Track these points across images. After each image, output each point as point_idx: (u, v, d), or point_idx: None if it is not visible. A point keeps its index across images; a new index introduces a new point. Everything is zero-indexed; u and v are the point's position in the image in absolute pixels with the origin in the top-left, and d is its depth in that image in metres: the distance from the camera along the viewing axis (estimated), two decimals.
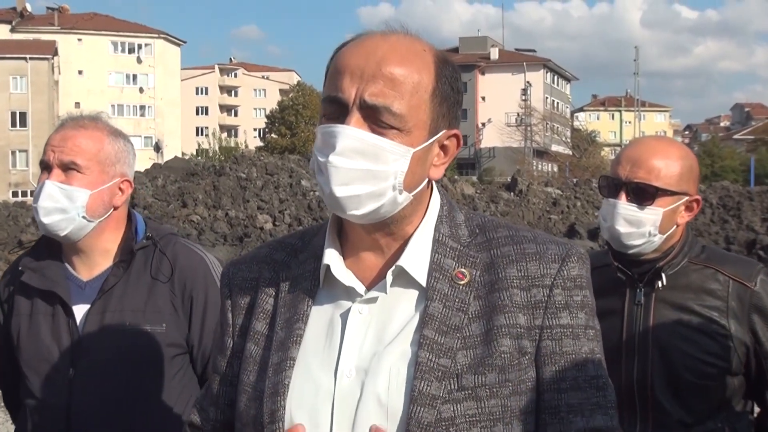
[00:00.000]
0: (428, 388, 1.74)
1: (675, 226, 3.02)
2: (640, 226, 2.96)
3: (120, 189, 3.08)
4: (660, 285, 2.99)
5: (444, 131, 1.84)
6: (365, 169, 1.74)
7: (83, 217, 2.98)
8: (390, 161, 1.75)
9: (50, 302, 3.04)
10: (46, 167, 2.98)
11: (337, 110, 1.77)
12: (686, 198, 3.01)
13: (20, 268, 3.11)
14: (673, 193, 2.96)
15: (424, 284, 1.84)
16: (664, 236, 3.00)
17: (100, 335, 2.99)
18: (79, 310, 3.02)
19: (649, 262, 3.03)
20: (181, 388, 3.09)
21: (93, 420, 2.95)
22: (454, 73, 1.86)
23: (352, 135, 1.73)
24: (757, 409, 3.11)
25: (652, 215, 2.95)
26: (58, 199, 2.93)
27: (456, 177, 32.90)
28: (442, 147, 1.87)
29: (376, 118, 1.74)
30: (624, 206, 2.96)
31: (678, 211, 3.00)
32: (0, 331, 3.16)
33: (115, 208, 3.09)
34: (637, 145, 3.11)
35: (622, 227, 2.97)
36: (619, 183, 3.00)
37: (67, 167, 2.95)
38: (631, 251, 3.01)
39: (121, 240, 3.12)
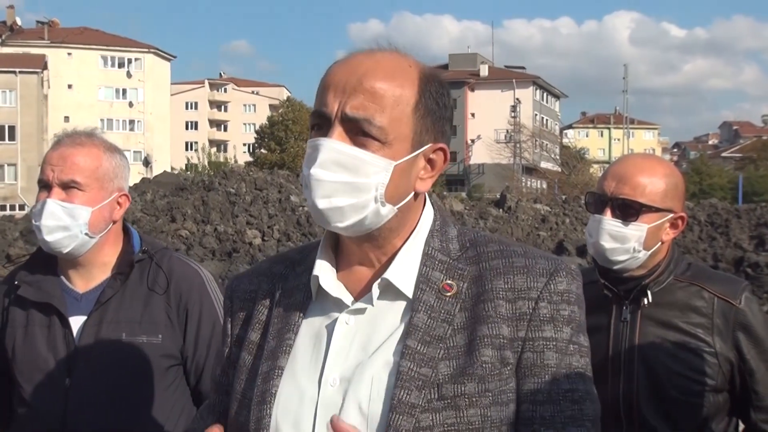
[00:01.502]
0: (408, 396, 1.76)
1: (660, 243, 3.04)
2: (625, 242, 2.98)
3: (118, 203, 3.12)
4: (646, 302, 3.01)
5: (429, 145, 1.87)
6: (346, 181, 1.78)
7: (86, 234, 3.01)
8: (371, 174, 1.79)
9: (46, 314, 3.06)
10: (45, 186, 3.00)
11: (321, 124, 1.82)
12: (671, 215, 3.03)
13: (16, 282, 3.13)
14: (657, 210, 2.99)
15: (410, 296, 1.86)
16: (649, 253, 3.02)
17: (97, 346, 3.01)
18: (76, 322, 3.05)
19: (634, 279, 3.05)
20: (174, 399, 3.12)
21: (88, 429, 2.97)
22: (441, 88, 1.89)
23: (332, 147, 1.77)
24: (741, 426, 3.13)
25: (636, 231, 2.97)
26: (60, 217, 2.96)
27: (445, 193, 33.00)
28: (429, 161, 1.89)
29: (357, 131, 1.78)
30: (609, 222, 2.99)
31: (663, 228, 3.03)
32: None
33: (114, 222, 3.13)
34: (623, 162, 3.15)
35: (606, 243, 2.99)
36: (604, 199, 3.03)
37: (67, 185, 2.98)
38: (616, 267, 3.03)
39: (119, 253, 3.16)
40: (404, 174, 1.84)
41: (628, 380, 3.00)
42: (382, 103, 1.79)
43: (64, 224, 2.96)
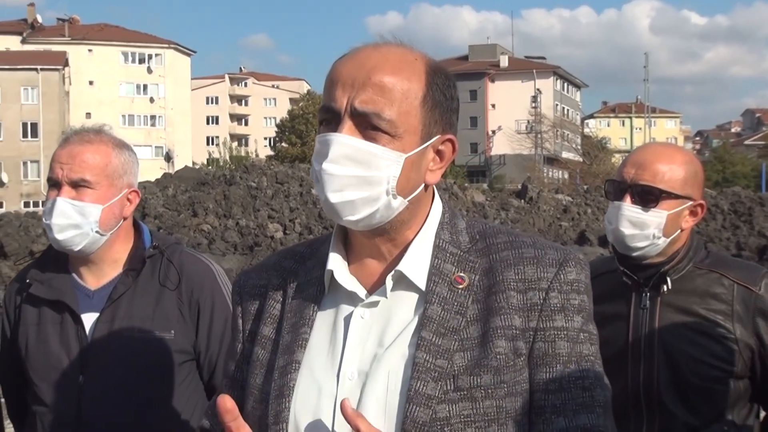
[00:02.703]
0: (424, 388, 1.77)
1: (679, 231, 3.04)
2: (644, 228, 2.98)
3: (128, 199, 3.11)
4: (665, 289, 3.00)
5: (438, 136, 1.88)
6: (357, 175, 1.79)
7: (97, 232, 3.01)
8: (382, 167, 1.80)
9: (58, 311, 3.07)
10: (55, 184, 3.00)
11: (331, 119, 1.82)
12: (690, 202, 3.03)
13: (27, 280, 3.14)
14: (677, 197, 2.99)
15: (423, 288, 1.87)
16: (668, 240, 3.02)
17: (110, 342, 3.02)
18: (88, 319, 3.05)
19: (654, 267, 3.04)
20: (188, 394, 3.12)
21: (102, 427, 2.98)
22: (447, 80, 1.90)
23: (343, 142, 1.78)
24: (763, 413, 3.12)
25: (656, 218, 2.97)
26: (70, 215, 2.96)
27: (466, 185, 32.95)
28: (438, 152, 1.90)
29: (367, 125, 1.79)
30: (628, 208, 2.99)
31: (682, 215, 3.03)
32: (6, 340, 3.20)
33: (125, 219, 3.13)
34: (642, 150, 3.16)
35: (626, 229, 2.99)
36: (624, 186, 3.03)
37: (77, 184, 2.97)
38: (635, 254, 3.03)
39: (131, 249, 3.16)
40: (414, 166, 1.85)
41: (648, 367, 2.99)
42: (390, 97, 1.80)
43: (75, 222, 2.97)
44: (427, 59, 1.89)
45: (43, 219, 3.02)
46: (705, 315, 2.96)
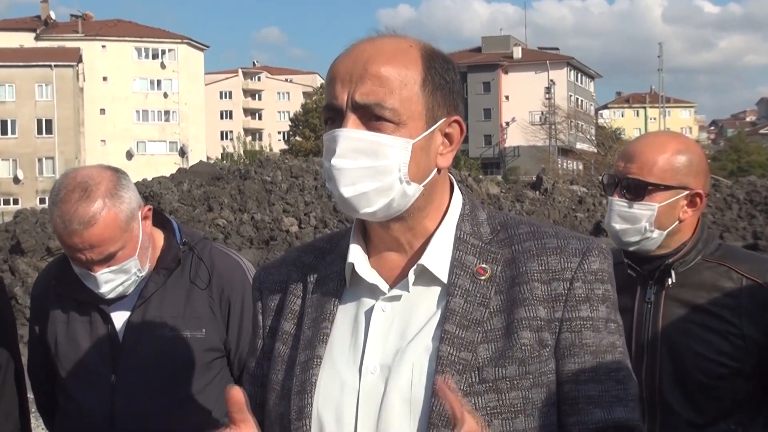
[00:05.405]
0: (449, 381, 1.76)
1: (677, 222, 2.95)
2: (635, 222, 2.92)
3: (145, 219, 3.04)
4: (670, 282, 2.94)
5: (444, 119, 1.89)
6: (368, 166, 1.81)
7: (140, 275, 3.02)
8: (391, 155, 1.82)
9: (87, 310, 3.07)
10: (84, 264, 2.92)
11: (334, 116, 1.86)
12: (685, 192, 2.94)
13: (54, 278, 3.14)
14: (667, 188, 2.92)
15: (445, 281, 1.88)
16: (665, 232, 2.94)
17: (141, 341, 3.03)
18: (118, 317, 3.06)
19: (659, 259, 2.97)
20: (219, 391, 3.09)
21: (135, 425, 2.98)
22: (446, 64, 1.92)
23: (349, 136, 1.81)
24: None
25: (646, 211, 2.91)
26: (115, 279, 2.94)
27: (481, 177, 32.81)
28: (446, 135, 1.92)
29: (370, 116, 1.82)
30: (617, 203, 2.95)
31: (678, 206, 2.94)
32: (35, 337, 3.21)
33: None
34: (634, 142, 3.11)
35: (617, 224, 2.95)
36: (615, 180, 2.99)
37: (106, 259, 2.90)
38: (631, 248, 2.97)
39: (162, 248, 3.15)
40: (424, 151, 1.86)
41: (651, 363, 2.93)
42: (390, 86, 1.82)
43: (121, 281, 2.96)
44: (421, 45, 1.91)
45: (84, 281, 2.98)
46: (711, 309, 2.88)
